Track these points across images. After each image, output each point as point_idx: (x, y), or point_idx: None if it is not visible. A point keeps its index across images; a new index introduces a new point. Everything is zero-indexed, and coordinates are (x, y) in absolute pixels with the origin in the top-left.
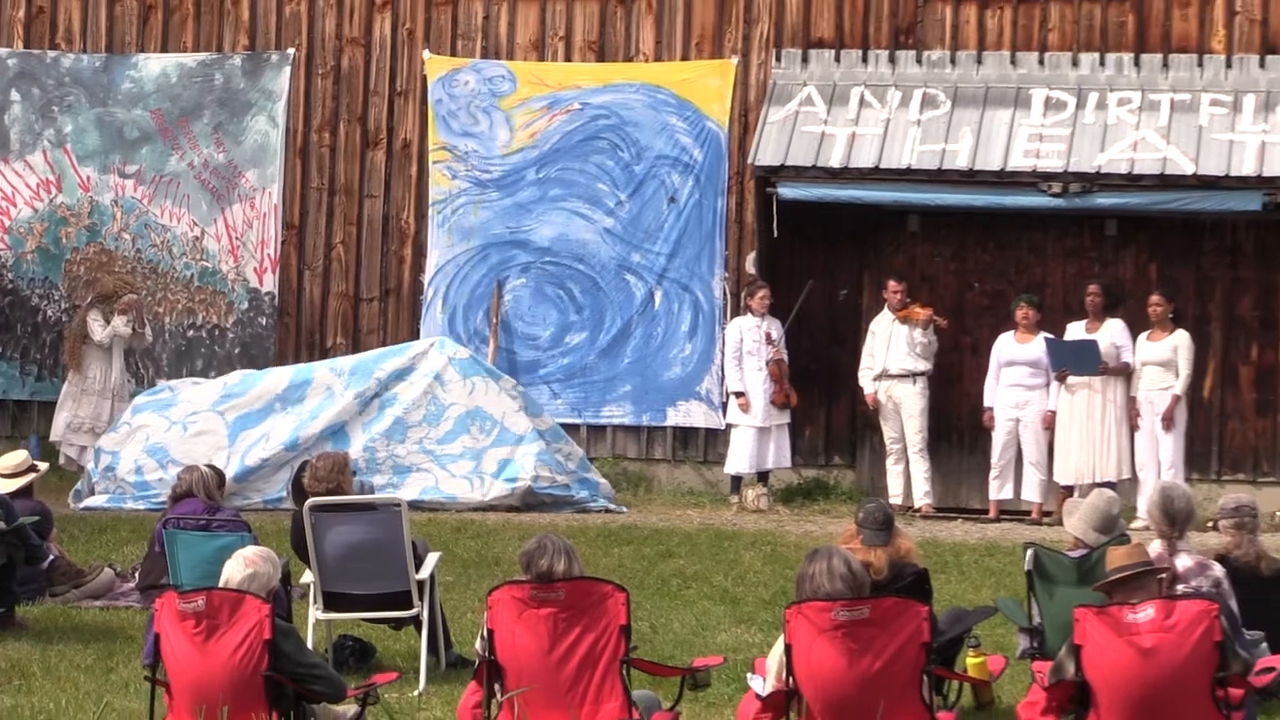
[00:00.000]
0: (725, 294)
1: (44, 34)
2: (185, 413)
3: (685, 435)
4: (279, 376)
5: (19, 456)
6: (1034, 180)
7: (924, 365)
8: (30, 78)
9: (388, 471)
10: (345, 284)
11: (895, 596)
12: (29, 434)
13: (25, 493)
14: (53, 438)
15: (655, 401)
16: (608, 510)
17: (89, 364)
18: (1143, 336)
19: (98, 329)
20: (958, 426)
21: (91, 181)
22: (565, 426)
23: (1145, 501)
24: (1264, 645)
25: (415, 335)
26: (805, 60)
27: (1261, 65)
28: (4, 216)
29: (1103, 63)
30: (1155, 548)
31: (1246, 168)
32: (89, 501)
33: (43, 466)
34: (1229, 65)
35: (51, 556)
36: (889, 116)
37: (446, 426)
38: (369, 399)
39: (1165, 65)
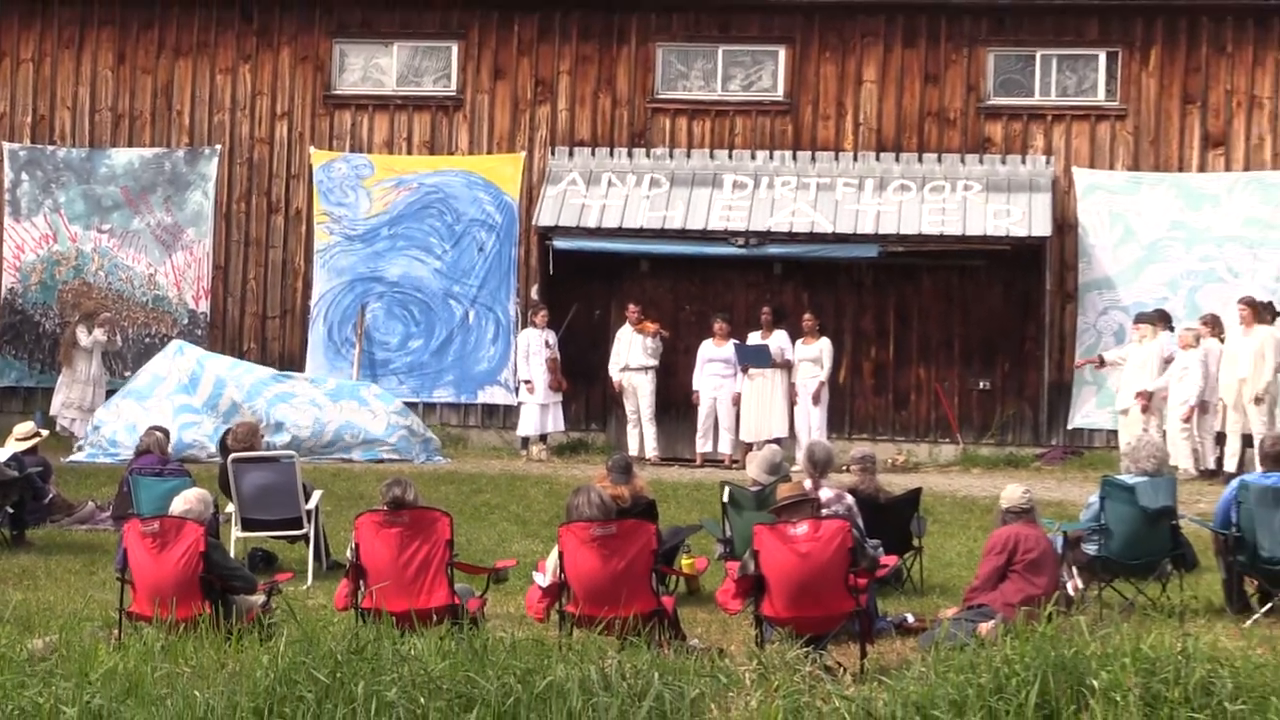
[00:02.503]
0: (517, 314)
1: (45, 134)
2: (155, 405)
3: (490, 409)
4: (226, 394)
5: (28, 426)
6: (725, 236)
7: (653, 362)
8: (35, 164)
9: None
10: (257, 306)
11: (633, 519)
12: (35, 410)
13: (32, 451)
14: (52, 413)
15: (469, 386)
16: (438, 461)
17: (77, 362)
18: (799, 341)
19: (83, 337)
20: (675, 403)
21: (78, 236)
22: (408, 404)
23: (800, 453)
24: (881, 549)
25: (305, 343)
26: (571, 154)
27: (877, 159)
28: (16, 260)
29: (772, 157)
30: (807, 484)
31: (867, 228)
32: (75, 456)
33: (45, 433)
34: (855, 159)
35: (51, 495)
36: (628, 193)
37: (327, 437)
38: (270, 423)
39: (813, 159)
